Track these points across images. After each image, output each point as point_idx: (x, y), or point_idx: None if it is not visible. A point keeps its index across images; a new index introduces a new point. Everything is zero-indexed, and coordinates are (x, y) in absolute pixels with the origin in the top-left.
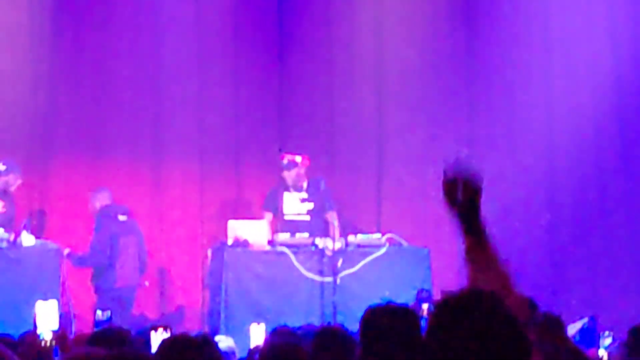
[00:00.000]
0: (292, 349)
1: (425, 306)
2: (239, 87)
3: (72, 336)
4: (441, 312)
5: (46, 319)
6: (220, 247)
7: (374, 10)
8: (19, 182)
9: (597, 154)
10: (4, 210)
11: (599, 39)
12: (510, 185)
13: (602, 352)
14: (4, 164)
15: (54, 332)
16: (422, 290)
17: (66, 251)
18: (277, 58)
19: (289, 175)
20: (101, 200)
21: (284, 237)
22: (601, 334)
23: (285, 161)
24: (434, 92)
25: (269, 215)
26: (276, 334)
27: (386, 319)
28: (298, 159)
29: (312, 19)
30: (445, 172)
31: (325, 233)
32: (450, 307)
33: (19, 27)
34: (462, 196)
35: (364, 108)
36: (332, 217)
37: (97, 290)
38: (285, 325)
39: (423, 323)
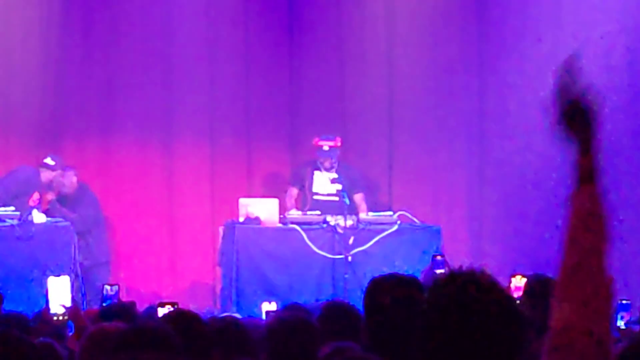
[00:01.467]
0: (301, 323)
1: (439, 272)
2: (250, 66)
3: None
4: (436, 292)
5: (58, 295)
6: (231, 225)
7: None
8: (61, 180)
9: (609, 146)
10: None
11: (610, 36)
12: (518, 170)
13: (620, 323)
14: (53, 160)
15: (67, 308)
16: (436, 254)
17: (51, 196)
18: (288, 37)
19: (328, 160)
20: (74, 177)
21: (295, 214)
22: (621, 302)
23: (325, 147)
24: (444, 72)
25: (294, 191)
26: (286, 310)
27: (390, 290)
28: (338, 143)
29: None
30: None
31: (354, 214)
32: (444, 287)
33: (29, 10)
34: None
35: (374, 87)
36: (360, 199)
37: (107, 264)
38: (295, 302)
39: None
